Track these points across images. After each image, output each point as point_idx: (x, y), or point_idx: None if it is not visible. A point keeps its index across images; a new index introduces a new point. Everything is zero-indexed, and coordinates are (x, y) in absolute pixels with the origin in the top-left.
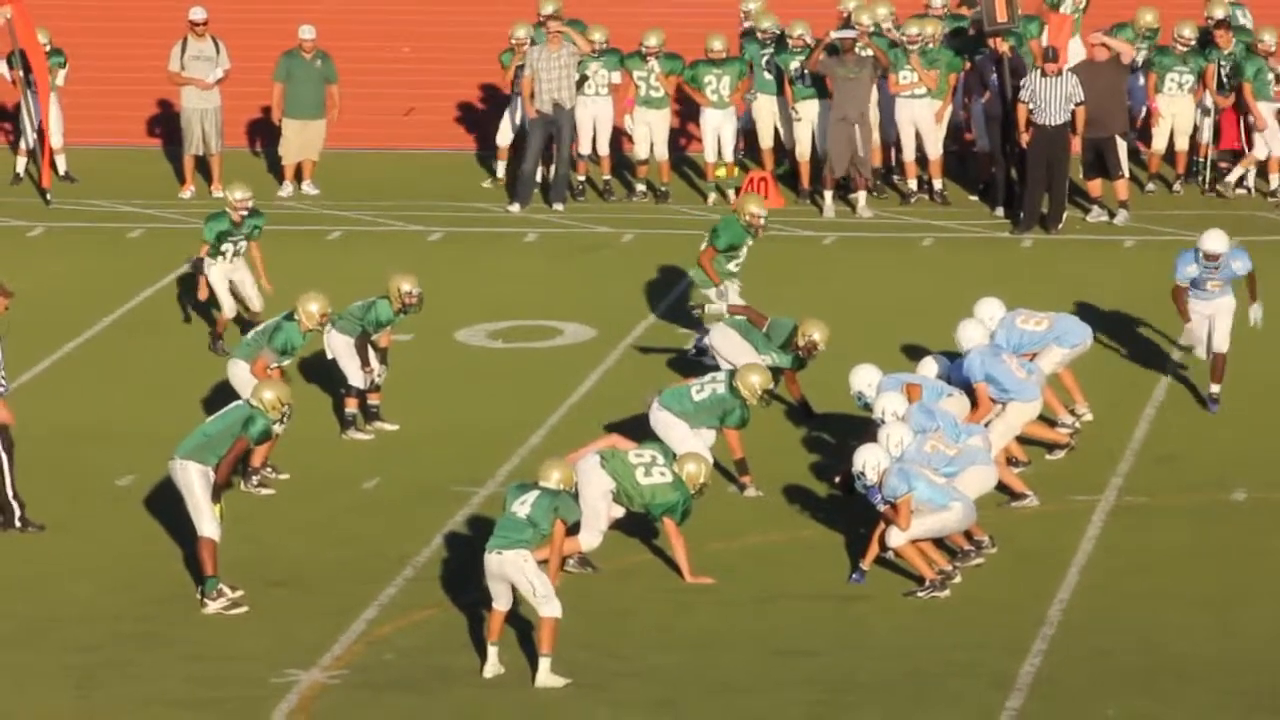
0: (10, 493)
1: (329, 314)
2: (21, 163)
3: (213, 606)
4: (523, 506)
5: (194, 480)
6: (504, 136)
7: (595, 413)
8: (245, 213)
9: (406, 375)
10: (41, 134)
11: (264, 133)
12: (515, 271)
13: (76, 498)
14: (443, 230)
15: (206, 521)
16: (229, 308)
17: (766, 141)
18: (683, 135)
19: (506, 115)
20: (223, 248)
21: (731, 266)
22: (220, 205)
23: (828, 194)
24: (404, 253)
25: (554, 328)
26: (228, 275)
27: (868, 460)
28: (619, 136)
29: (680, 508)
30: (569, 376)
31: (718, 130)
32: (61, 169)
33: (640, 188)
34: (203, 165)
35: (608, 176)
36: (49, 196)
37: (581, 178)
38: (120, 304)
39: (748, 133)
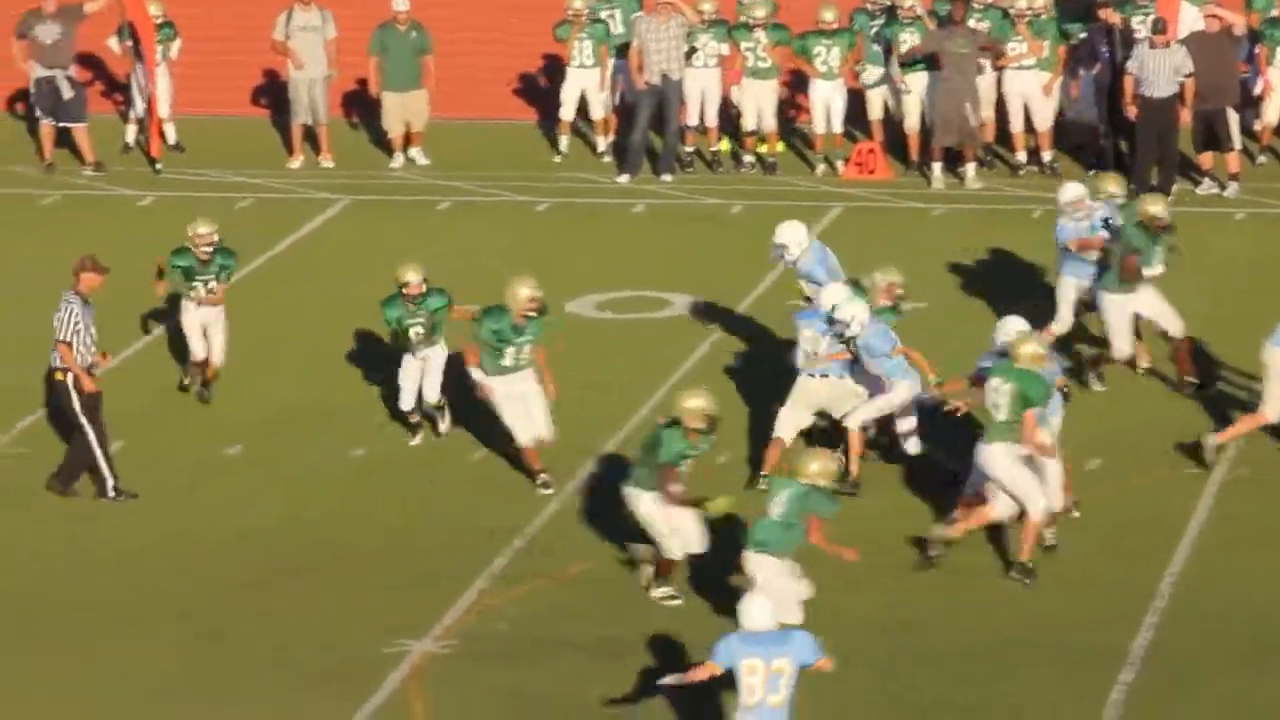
0: (104, 463)
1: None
2: (131, 132)
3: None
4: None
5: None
6: (566, 111)
7: (703, 384)
8: (209, 249)
9: None
10: (150, 104)
11: (371, 104)
12: (624, 243)
13: (184, 467)
14: (550, 201)
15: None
16: (198, 351)
17: (875, 114)
18: (792, 107)
19: (565, 89)
20: (191, 285)
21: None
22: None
23: (936, 165)
24: (512, 223)
25: (662, 299)
26: (201, 320)
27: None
28: (728, 107)
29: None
30: (677, 347)
31: (827, 102)
32: (171, 138)
33: (749, 159)
34: (311, 136)
35: (716, 148)
36: (158, 166)
37: (690, 149)
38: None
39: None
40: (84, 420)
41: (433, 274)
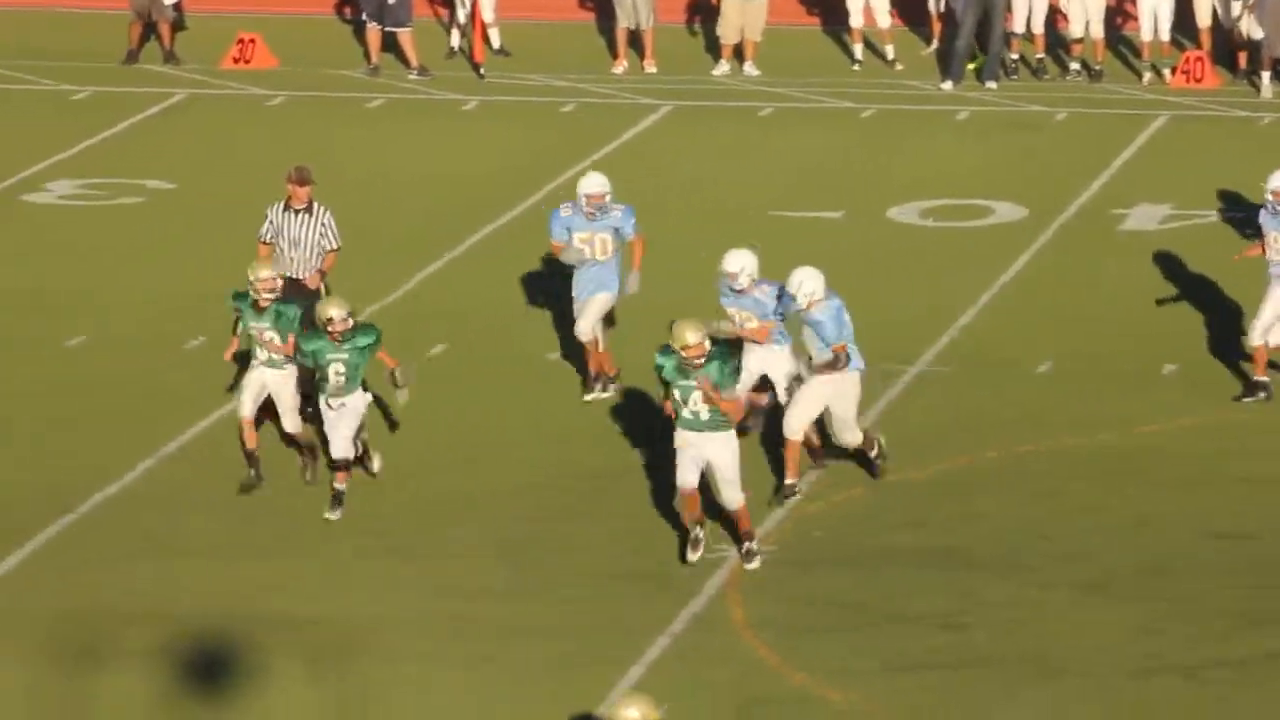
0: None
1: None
2: (455, 37)
3: None
4: None
5: None
6: (855, 18)
7: (1026, 292)
8: (271, 296)
9: (835, 253)
10: (474, 9)
11: (703, 10)
12: (947, 150)
13: (505, 374)
14: (875, 107)
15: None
16: (246, 409)
17: (1204, 21)
18: (1119, 14)
19: None
20: (250, 334)
21: None
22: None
23: (1265, 74)
24: (835, 129)
25: (985, 206)
26: (263, 380)
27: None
28: (1054, 15)
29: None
30: (1000, 255)
31: (1154, 9)
32: (495, 43)
33: (1074, 66)
34: (635, 40)
35: (1041, 55)
36: (482, 70)
37: (1015, 56)
38: (551, 179)
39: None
40: None
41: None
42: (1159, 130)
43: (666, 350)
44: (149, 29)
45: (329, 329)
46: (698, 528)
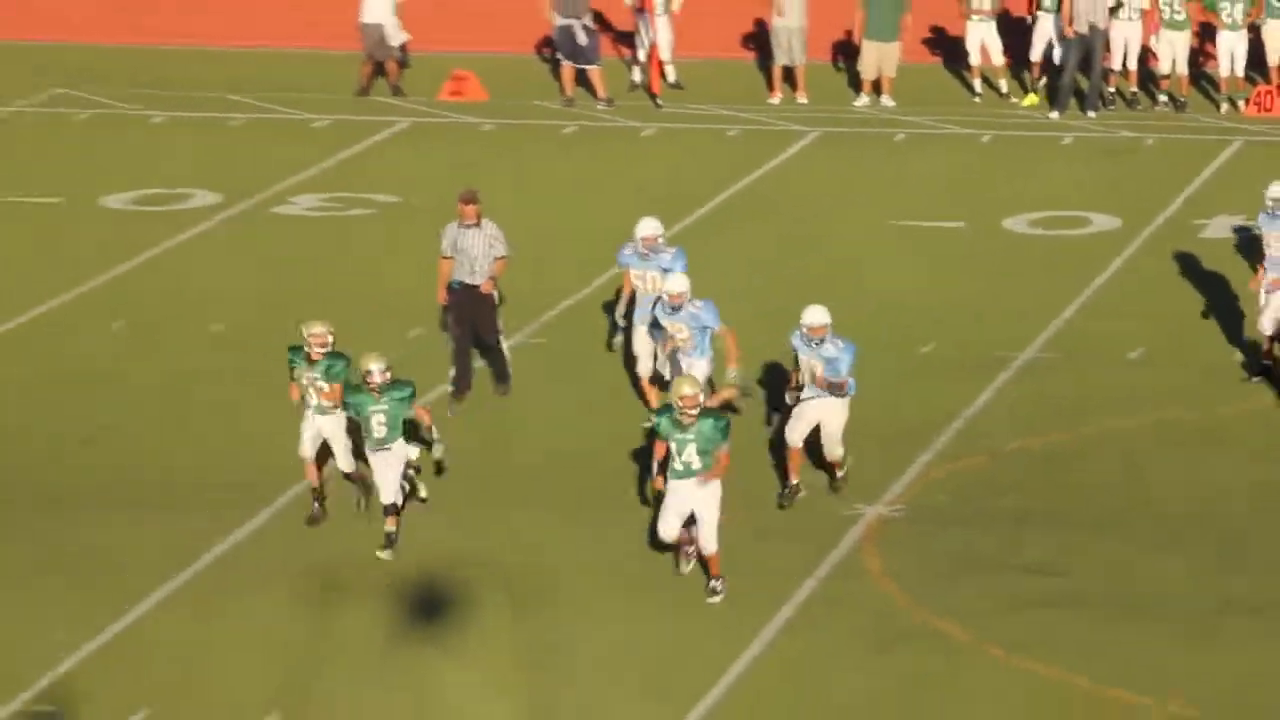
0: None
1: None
2: (637, 73)
3: None
4: None
5: None
6: (1035, 52)
7: (1119, 290)
8: (323, 350)
9: (957, 257)
10: (651, 49)
11: (846, 50)
12: (1053, 169)
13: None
14: (992, 133)
15: None
16: (306, 451)
17: (1274, 60)
18: (1202, 54)
19: (1035, 34)
20: (303, 384)
21: None
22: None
23: None
24: (958, 151)
25: (1084, 218)
26: (318, 425)
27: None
28: (1146, 54)
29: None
30: (1097, 260)
31: (1231, 50)
32: (671, 78)
33: (1162, 98)
34: (789, 75)
35: (1134, 89)
36: (659, 101)
37: (1112, 89)
38: (718, 194)
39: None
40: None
41: None
42: (1234, 153)
43: (664, 409)
44: (378, 67)
45: (367, 381)
46: (690, 547)
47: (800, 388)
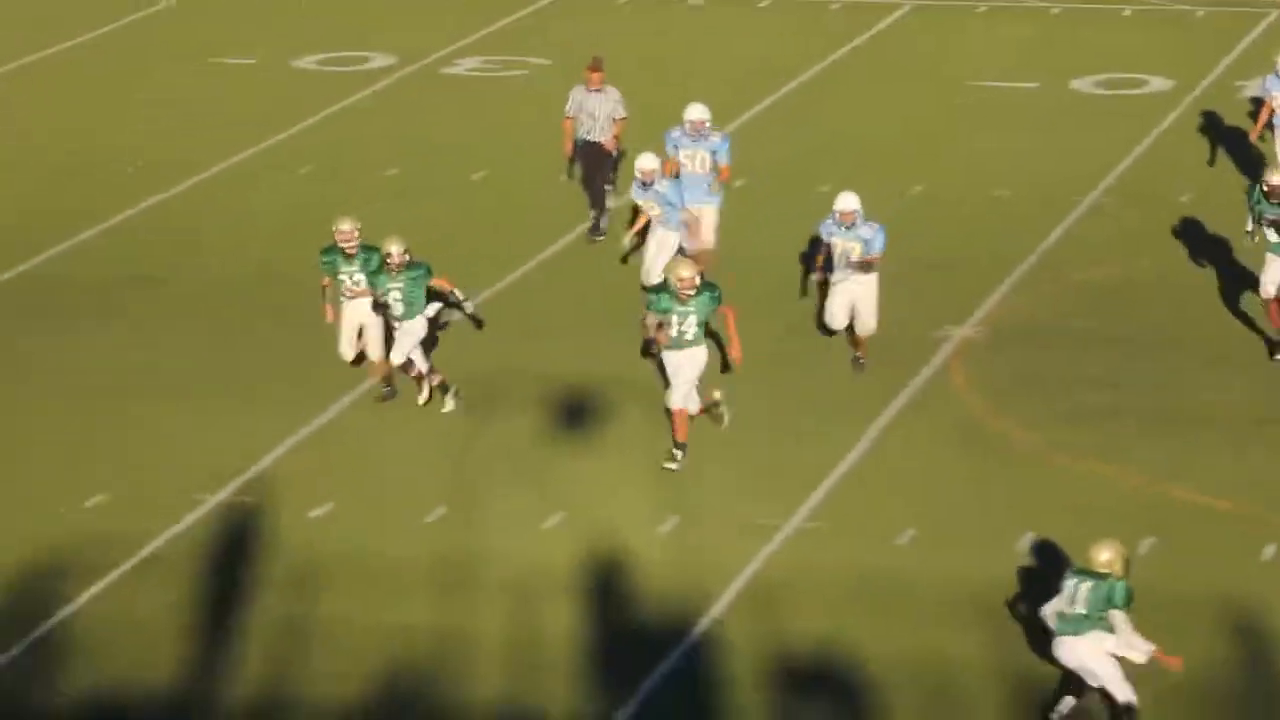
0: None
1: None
2: None
3: None
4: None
5: None
6: None
7: (1176, 147)
8: (354, 245)
9: (1035, 113)
10: None
11: None
12: (1115, 37)
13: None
14: (1061, 7)
15: None
16: (346, 351)
17: None
18: None
19: None
20: (340, 279)
21: None
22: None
23: None
24: (1033, 23)
25: (1142, 79)
26: (355, 314)
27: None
28: None
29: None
30: (1154, 115)
31: None
32: None
33: None
34: None
35: None
36: None
37: None
38: (822, 59)
39: None
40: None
41: None
42: (1271, 24)
43: (660, 287)
44: None
45: (387, 262)
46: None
47: (826, 271)
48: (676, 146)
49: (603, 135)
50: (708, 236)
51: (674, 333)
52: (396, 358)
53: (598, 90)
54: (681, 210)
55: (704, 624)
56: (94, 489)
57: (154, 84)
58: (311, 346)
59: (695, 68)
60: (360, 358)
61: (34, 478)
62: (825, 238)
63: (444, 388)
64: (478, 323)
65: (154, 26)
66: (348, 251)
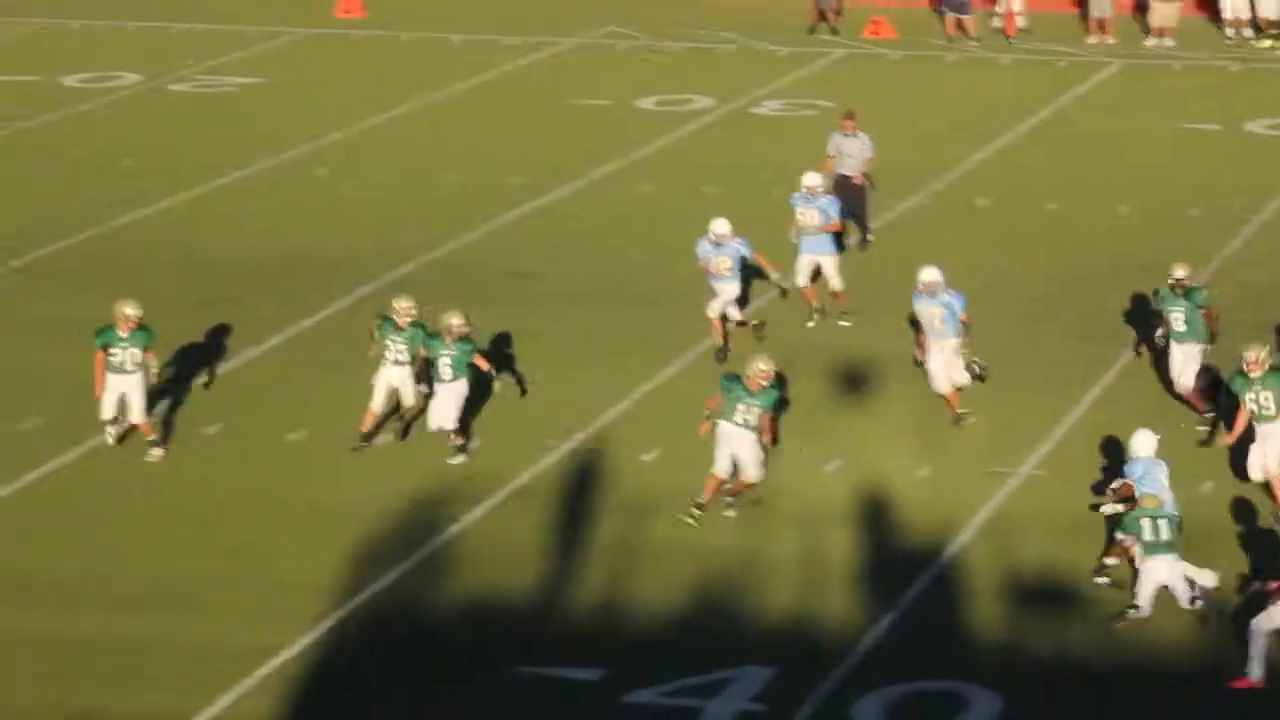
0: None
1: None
2: (996, 20)
3: None
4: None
5: None
6: (1268, 10)
7: None
8: (410, 320)
9: (1217, 151)
10: (1008, 4)
11: (1139, 6)
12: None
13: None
14: (1239, 65)
15: None
16: (377, 404)
17: None
18: None
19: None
20: (388, 344)
21: None
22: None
23: None
24: (1216, 76)
25: None
26: (391, 377)
27: None
28: None
29: None
30: None
31: None
32: (1021, 24)
33: None
34: (1100, 24)
35: None
36: (1011, 40)
37: None
38: (1050, 102)
39: None
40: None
41: None
42: None
43: (735, 378)
44: (822, 14)
45: (449, 331)
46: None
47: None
48: (796, 205)
49: (855, 171)
50: (835, 282)
51: (736, 417)
52: (447, 423)
53: (851, 134)
54: (754, 254)
55: (951, 550)
56: (476, 435)
57: (525, 120)
58: (651, 325)
59: (946, 108)
60: (390, 413)
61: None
62: (915, 306)
63: (462, 448)
64: (524, 390)
65: (527, 76)
66: (400, 324)
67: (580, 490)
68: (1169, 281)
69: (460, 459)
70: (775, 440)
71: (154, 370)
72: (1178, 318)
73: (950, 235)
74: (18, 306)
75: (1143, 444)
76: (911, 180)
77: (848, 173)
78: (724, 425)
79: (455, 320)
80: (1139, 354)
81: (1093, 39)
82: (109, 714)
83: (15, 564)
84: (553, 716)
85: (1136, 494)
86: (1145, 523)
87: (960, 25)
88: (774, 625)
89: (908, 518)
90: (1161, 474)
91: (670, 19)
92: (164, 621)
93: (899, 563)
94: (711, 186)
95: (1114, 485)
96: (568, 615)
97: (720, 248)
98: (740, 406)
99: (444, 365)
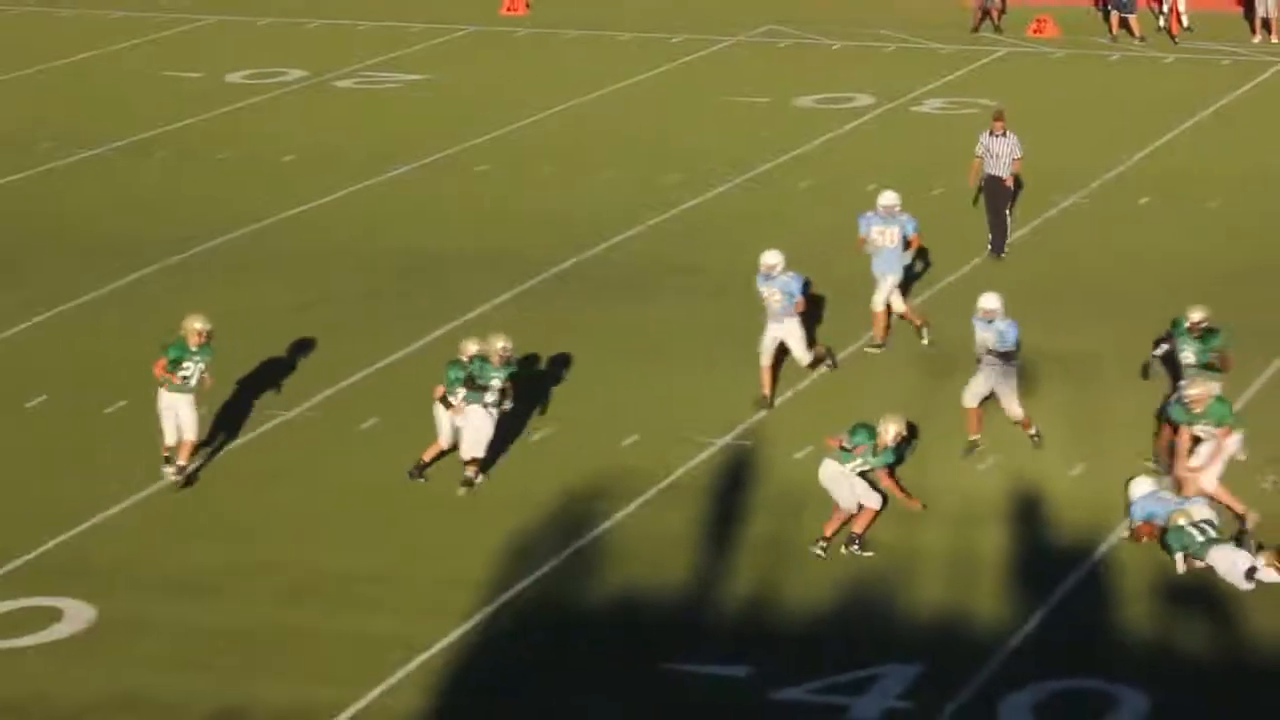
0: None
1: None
2: (1162, 19)
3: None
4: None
5: None
6: None
7: None
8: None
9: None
10: (1173, 2)
11: None
12: None
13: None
14: None
15: None
16: (444, 440)
17: None
18: None
19: None
20: (454, 390)
21: None
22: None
23: None
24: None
25: None
26: (463, 420)
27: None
28: None
29: None
30: None
31: None
32: (1185, 22)
33: None
34: (1265, 23)
35: None
36: (1176, 39)
37: None
38: (1214, 101)
39: None
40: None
41: None
42: None
43: (863, 426)
44: (985, 13)
45: (499, 354)
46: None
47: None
48: (870, 225)
49: (1004, 171)
50: (898, 305)
51: (848, 464)
52: (479, 450)
53: (1000, 135)
54: (797, 301)
55: (1103, 548)
56: (630, 431)
57: (684, 117)
58: (807, 323)
59: (1109, 107)
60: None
61: (581, 418)
62: (974, 325)
63: (470, 481)
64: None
65: (687, 73)
66: (493, 363)
67: (731, 487)
68: (1186, 325)
69: (464, 491)
70: (904, 494)
71: (207, 387)
72: (1188, 356)
73: (1111, 232)
74: (183, 301)
75: (1141, 487)
76: (1072, 179)
77: (997, 173)
78: (831, 465)
79: (501, 343)
80: None
81: (1257, 39)
82: (260, 706)
83: (169, 555)
84: (701, 713)
85: (1163, 522)
86: (1193, 530)
87: (1125, 24)
88: (923, 623)
89: (1059, 515)
90: (1165, 494)
91: (831, 16)
92: (316, 615)
93: (1050, 561)
94: (871, 185)
95: (1128, 532)
96: (717, 611)
97: (769, 280)
98: (858, 462)
99: (492, 389)
